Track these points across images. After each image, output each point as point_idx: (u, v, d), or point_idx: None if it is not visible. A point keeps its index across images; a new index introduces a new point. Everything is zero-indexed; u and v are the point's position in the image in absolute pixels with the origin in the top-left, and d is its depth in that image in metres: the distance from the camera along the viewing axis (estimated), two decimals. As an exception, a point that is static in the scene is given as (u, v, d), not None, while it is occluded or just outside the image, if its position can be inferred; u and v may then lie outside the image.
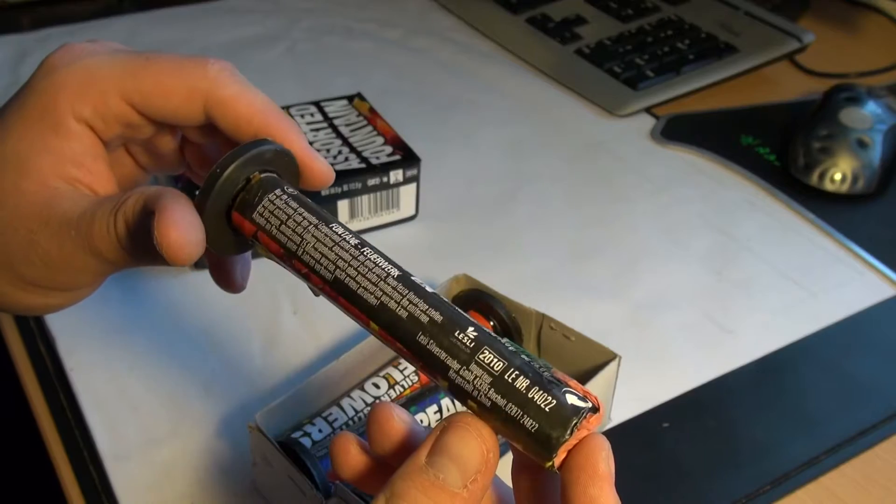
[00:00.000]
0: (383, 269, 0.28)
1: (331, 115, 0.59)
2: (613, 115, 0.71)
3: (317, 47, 0.78)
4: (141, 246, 0.30)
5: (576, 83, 0.74)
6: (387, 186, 0.56)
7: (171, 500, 0.41)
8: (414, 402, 0.42)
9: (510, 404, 0.25)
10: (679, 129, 0.70)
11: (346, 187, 0.54)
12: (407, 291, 0.27)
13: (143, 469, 0.42)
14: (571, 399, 0.24)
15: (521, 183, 0.63)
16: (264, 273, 0.52)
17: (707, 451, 0.45)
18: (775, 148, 0.68)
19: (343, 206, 0.55)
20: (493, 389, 0.25)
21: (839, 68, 0.79)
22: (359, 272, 0.28)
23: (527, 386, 0.25)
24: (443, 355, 0.26)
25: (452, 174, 0.63)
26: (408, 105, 0.70)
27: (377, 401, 0.43)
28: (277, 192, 0.30)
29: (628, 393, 0.46)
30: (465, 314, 0.27)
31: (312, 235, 0.29)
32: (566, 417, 0.24)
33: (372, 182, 0.55)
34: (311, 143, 0.56)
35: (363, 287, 0.27)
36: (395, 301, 0.27)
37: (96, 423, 0.44)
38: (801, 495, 0.44)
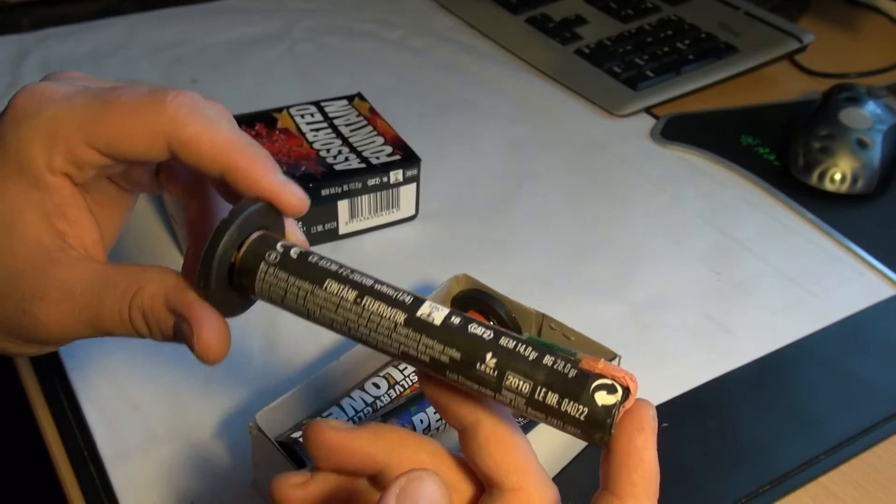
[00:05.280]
0: (389, 319, 0.27)
1: (331, 115, 0.59)
2: (613, 115, 0.71)
3: (317, 47, 0.78)
4: (158, 333, 0.30)
5: (576, 83, 0.74)
6: (387, 186, 0.56)
7: (171, 500, 0.41)
8: (414, 402, 0.42)
9: (550, 417, 0.25)
10: (679, 129, 0.70)
11: (346, 187, 0.54)
12: (419, 336, 0.27)
13: (143, 469, 0.42)
14: (602, 398, 0.25)
15: (521, 183, 0.63)
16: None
17: (707, 451, 0.45)
18: (775, 148, 0.68)
19: (343, 206, 0.55)
20: (530, 408, 0.26)
21: (839, 68, 0.79)
22: (370, 329, 0.27)
23: (557, 400, 0.25)
24: (475, 387, 0.26)
25: (452, 174, 0.63)
26: (408, 105, 0.70)
27: (377, 401, 0.43)
28: (262, 266, 0.29)
29: (628, 393, 0.46)
30: (478, 336, 0.26)
31: (314, 303, 0.28)
32: (601, 420, 0.25)
33: (372, 182, 0.55)
34: (311, 144, 0.56)
35: (380, 342, 0.27)
36: (414, 349, 0.27)
37: (96, 423, 0.44)
38: (801, 495, 0.44)
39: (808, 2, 0.91)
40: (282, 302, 0.29)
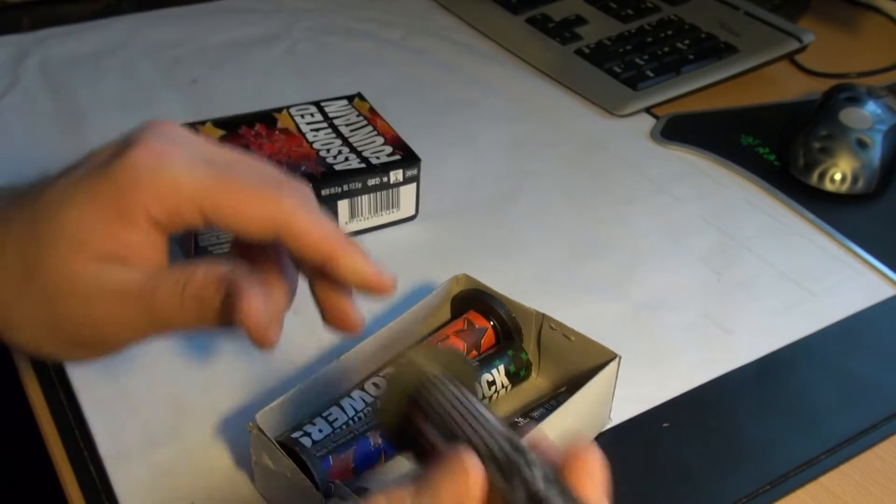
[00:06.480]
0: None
1: (331, 115, 0.59)
2: (613, 115, 0.71)
3: (317, 47, 0.78)
4: (209, 317, 0.33)
5: (576, 83, 0.74)
6: (387, 186, 0.56)
7: (171, 500, 0.41)
8: (414, 402, 0.42)
9: None
10: (679, 129, 0.70)
11: (346, 187, 0.54)
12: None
13: (143, 469, 0.42)
14: None
15: (521, 183, 0.63)
16: (264, 273, 0.52)
17: (707, 451, 0.45)
18: (775, 148, 0.68)
19: (343, 206, 0.55)
20: None
21: (839, 68, 0.79)
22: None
23: None
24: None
25: (452, 174, 0.63)
26: (408, 105, 0.70)
27: (377, 401, 0.42)
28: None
29: (628, 393, 0.46)
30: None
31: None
32: None
33: (372, 182, 0.55)
34: (311, 144, 0.56)
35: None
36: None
37: (96, 423, 0.44)
38: (801, 495, 0.44)
39: (808, 2, 0.91)
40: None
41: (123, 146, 0.33)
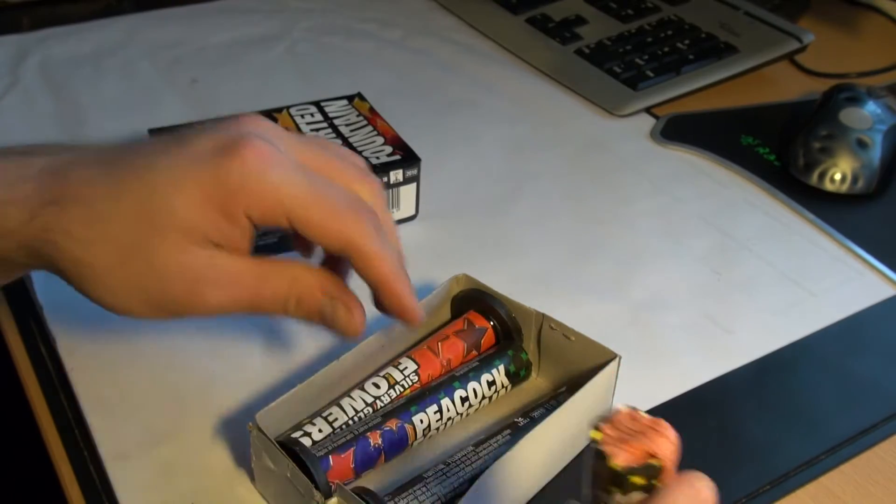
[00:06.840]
0: None
1: (331, 115, 0.59)
2: (613, 115, 0.71)
3: (317, 47, 0.78)
4: (301, 313, 0.37)
5: (576, 83, 0.74)
6: (387, 186, 0.56)
7: (171, 500, 0.41)
8: (414, 401, 0.42)
9: None
10: (679, 129, 0.70)
11: (346, 187, 0.54)
12: None
13: (143, 469, 0.42)
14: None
15: (521, 183, 0.63)
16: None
17: (707, 451, 0.45)
18: (775, 148, 0.68)
19: (343, 206, 0.55)
20: None
21: (839, 68, 0.79)
22: None
23: None
24: None
25: (452, 174, 0.63)
26: (408, 105, 0.70)
27: (377, 401, 0.43)
28: None
29: (628, 393, 0.46)
30: None
31: None
32: None
33: (372, 182, 0.55)
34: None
35: None
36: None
37: (96, 423, 0.44)
38: (801, 495, 0.44)
39: (808, 2, 0.91)
40: None
41: (229, 143, 0.35)
